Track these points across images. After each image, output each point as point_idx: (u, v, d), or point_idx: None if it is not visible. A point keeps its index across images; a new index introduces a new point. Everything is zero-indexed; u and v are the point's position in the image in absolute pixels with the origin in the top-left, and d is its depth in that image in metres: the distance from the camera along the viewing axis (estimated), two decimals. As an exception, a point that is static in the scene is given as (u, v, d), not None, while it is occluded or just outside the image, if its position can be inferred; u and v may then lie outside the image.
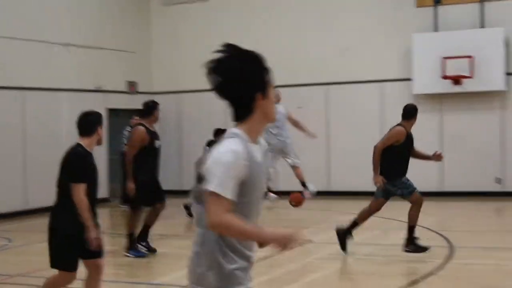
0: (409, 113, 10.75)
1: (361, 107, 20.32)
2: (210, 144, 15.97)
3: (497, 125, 19.15)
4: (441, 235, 12.32)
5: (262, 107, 3.66)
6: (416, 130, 19.62)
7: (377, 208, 10.74)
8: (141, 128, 10.97)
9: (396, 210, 17.04)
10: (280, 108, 15.69)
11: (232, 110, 3.69)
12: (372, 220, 14.92)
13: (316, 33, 20.75)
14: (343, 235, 10.55)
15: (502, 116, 19.13)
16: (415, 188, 10.51)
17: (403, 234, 12.78)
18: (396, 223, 14.38)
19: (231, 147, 3.59)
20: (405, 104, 19.69)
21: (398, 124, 10.97)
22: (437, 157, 10.89)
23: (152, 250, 11.03)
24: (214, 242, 3.64)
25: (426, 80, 19.18)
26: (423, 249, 10.19)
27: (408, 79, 19.62)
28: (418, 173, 19.60)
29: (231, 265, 3.64)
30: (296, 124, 16.07)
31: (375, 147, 10.70)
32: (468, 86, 18.83)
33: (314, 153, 20.22)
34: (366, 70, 20.26)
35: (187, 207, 15.47)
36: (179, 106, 22.17)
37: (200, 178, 3.69)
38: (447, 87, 19.02)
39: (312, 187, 16.07)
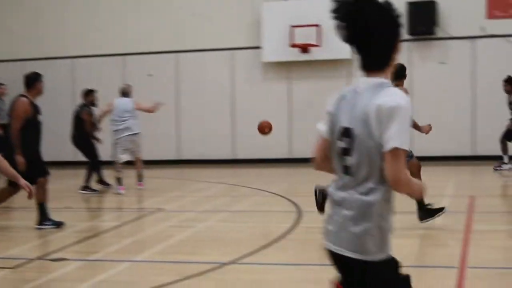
0: (399, 73, 10.16)
1: (211, 75, 20.34)
2: (82, 107, 15.47)
3: (344, 92, 19.61)
4: (290, 200, 12.53)
5: (396, 56, 3.61)
6: (265, 97, 19.96)
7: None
8: (25, 99, 10.45)
9: (244, 177, 17.26)
10: (129, 101, 15.09)
11: (369, 59, 3.58)
12: (221, 187, 15.04)
13: (164, 0, 20.58)
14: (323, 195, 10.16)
15: (349, 83, 19.57)
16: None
17: (252, 201, 12.94)
18: (245, 189, 14.54)
19: (404, 98, 3.47)
20: (254, 71, 20.13)
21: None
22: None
23: (59, 223, 10.56)
24: (379, 203, 3.55)
25: (275, 48, 19.41)
26: (438, 210, 9.67)
27: (258, 47, 19.78)
28: (265, 140, 19.94)
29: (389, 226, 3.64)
30: (147, 110, 15.25)
31: None
32: (315, 54, 19.20)
33: (164, 122, 20.11)
34: (216, 37, 20.26)
35: (101, 182, 15.04)
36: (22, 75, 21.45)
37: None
38: (296, 55, 19.33)
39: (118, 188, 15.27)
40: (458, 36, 18.86)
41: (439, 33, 18.90)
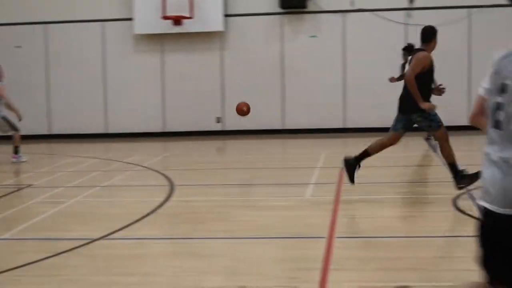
0: (427, 35, 9.67)
1: (82, 47, 19.93)
2: None
3: (218, 65, 19.65)
4: (162, 174, 12.47)
5: None
6: (137, 70, 19.72)
7: (396, 141, 9.86)
8: None
9: (117, 151, 17.06)
10: None
11: None
12: (93, 162, 14.81)
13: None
14: (352, 165, 9.77)
15: (222, 56, 19.64)
16: (441, 122, 9.61)
17: (125, 175, 12.78)
18: (118, 164, 14.37)
19: None
20: (126, 44, 19.84)
21: (419, 49, 9.75)
22: (438, 91, 10.30)
23: None
24: None
25: (147, 20, 19.19)
26: (475, 175, 9.24)
27: (129, 19, 19.49)
28: (138, 114, 19.77)
29: None
30: (7, 101, 14.69)
31: (406, 79, 9.52)
32: (188, 26, 19.10)
33: (34, 96, 19.65)
34: (87, 9, 19.84)
35: None
36: None
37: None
38: (168, 27, 19.16)
39: (24, 157, 14.95)
40: (329, 10, 19.17)
41: (311, 7, 19.15)
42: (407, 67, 16.48)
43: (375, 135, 18.18)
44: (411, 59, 9.79)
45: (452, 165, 9.60)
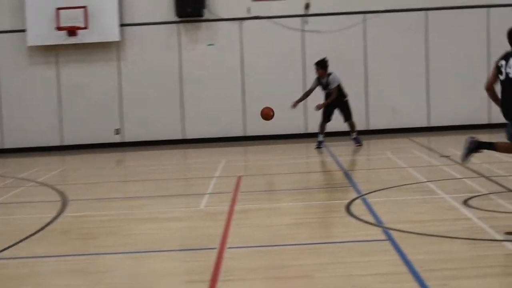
0: None
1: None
2: None
3: (115, 76, 19.36)
4: (56, 189, 12.13)
5: None
6: (32, 83, 19.22)
7: None
8: None
9: (11, 167, 16.58)
10: None
11: None
12: None
13: None
14: (476, 146, 9.38)
15: (119, 66, 19.36)
16: None
17: (16, 192, 12.37)
18: (10, 180, 13.96)
19: None
20: (19, 56, 19.29)
21: None
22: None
23: None
24: None
25: (41, 32, 18.76)
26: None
27: (22, 31, 19.01)
28: (34, 128, 19.23)
29: None
30: None
31: None
32: (83, 37, 18.76)
33: None
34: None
35: None
36: None
37: None
38: (62, 38, 18.78)
39: None
40: (226, 18, 19.13)
41: (207, 15, 19.06)
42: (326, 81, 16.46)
43: (276, 143, 18.32)
44: None
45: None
